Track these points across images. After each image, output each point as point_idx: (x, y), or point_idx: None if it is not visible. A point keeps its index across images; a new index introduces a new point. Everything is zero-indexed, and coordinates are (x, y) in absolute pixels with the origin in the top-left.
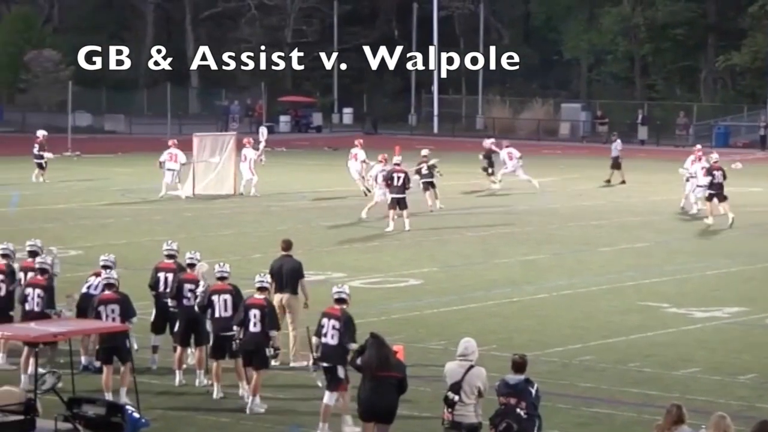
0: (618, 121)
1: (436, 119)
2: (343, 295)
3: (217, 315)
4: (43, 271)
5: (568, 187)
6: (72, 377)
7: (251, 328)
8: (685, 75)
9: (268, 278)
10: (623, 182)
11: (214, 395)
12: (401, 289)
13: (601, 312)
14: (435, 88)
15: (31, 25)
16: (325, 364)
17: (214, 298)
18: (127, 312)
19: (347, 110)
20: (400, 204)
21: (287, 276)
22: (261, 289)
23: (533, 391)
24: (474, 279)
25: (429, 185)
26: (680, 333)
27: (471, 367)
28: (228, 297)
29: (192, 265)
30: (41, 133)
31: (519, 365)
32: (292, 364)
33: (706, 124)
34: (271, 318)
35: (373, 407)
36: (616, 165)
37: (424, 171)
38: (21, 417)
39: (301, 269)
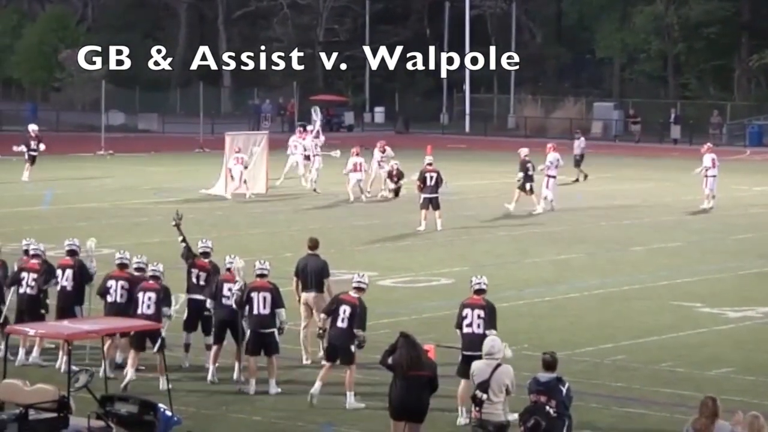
0: (651, 120)
1: (467, 118)
2: (483, 286)
3: (255, 312)
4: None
5: (599, 187)
6: (105, 375)
7: (339, 324)
8: (719, 74)
9: (366, 279)
10: (586, 177)
11: (250, 390)
12: (433, 288)
13: (633, 312)
14: (467, 87)
15: (66, 25)
16: (469, 353)
17: (253, 295)
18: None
19: (379, 109)
20: (432, 204)
21: (312, 275)
22: (358, 289)
23: (564, 390)
24: (506, 278)
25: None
26: (713, 333)
27: (498, 365)
28: (267, 295)
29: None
30: (32, 128)
31: (549, 364)
32: (323, 363)
33: (739, 123)
34: (361, 318)
35: (405, 406)
36: (578, 163)
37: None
38: (54, 414)
39: (326, 268)
